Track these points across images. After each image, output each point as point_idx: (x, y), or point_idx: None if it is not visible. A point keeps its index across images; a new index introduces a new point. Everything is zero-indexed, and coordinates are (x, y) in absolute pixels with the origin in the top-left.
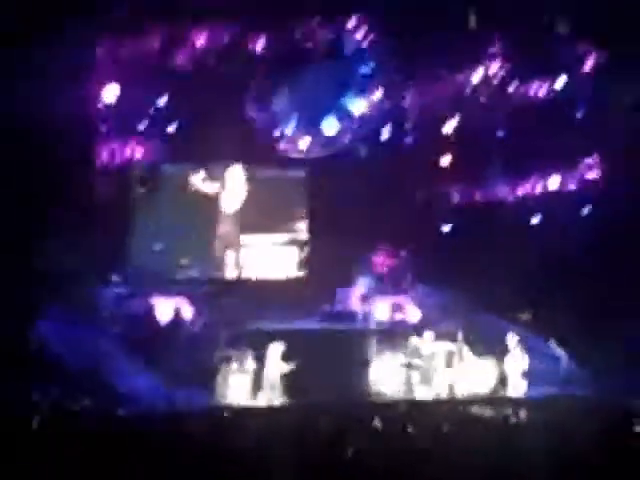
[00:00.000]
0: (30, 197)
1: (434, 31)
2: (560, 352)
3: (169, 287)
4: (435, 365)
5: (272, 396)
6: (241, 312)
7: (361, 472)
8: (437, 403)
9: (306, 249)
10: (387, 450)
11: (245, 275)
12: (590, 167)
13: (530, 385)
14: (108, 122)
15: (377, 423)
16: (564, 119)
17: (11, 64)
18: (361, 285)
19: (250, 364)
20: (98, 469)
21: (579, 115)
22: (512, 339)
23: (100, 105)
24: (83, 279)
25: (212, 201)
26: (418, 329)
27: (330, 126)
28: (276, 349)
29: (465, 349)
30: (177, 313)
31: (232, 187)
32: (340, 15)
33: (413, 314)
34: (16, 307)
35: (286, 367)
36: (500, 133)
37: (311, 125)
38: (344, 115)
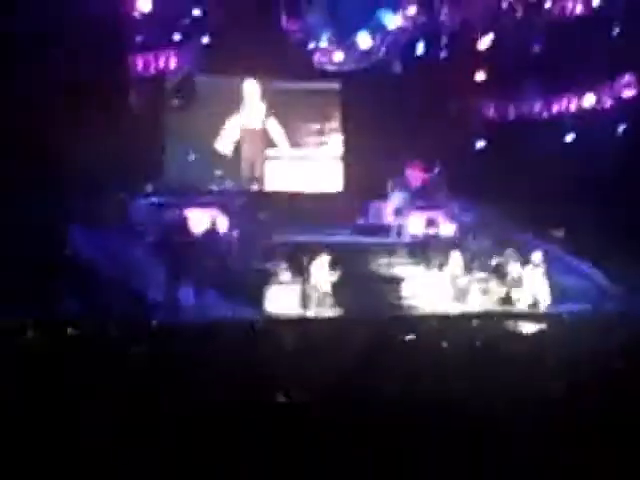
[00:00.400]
0: (65, 104)
1: None
2: (594, 270)
3: (203, 198)
4: (465, 281)
5: (316, 307)
6: (276, 225)
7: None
8: (470, 317)
9: (341, 162)
10: (418, 365)
11: (280, 188)
12: (626, 85)
13: (565, 302)
14: (143, 32)
15: (411, 337)
16: (600, 36)
17: None
18: (395, 199)
19: (285, 276)
20: (129, 377)
21: (615, 33)
22: (540, 256)
23: (135, 14)
24: (117, 188)
25: (242, 114)
26: (451, 244)
27: (364, 39)
28: (323, 260)
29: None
30: (212, 224)
31: (253, 101)
32: None
33: (447, 229)
34: (50, 215)
35: (333, 277)
36: (535, 49)
37: (345, 38)
38: (378, 29)
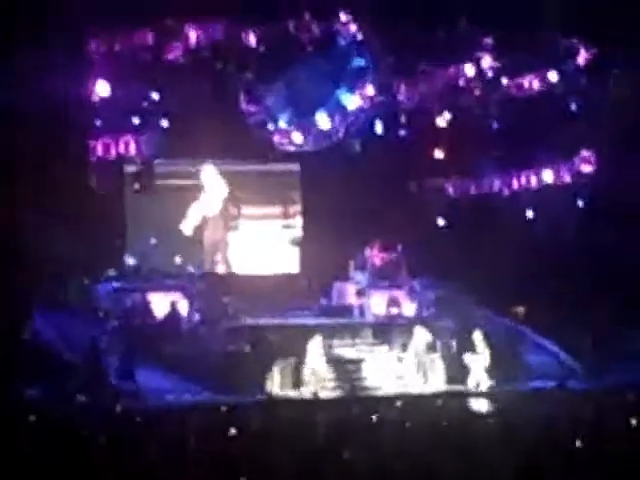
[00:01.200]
0: (24, 192)
1: (426, 26)
2: (556, 347)
3: (165, 282)
4: (428, 360)
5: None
6: (237, 308)
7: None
8: (433, 397)
9: (301, 244)
10: (385, 445)
11: (241, 271)
12: (584, 160)
13: (531, 380)
14: (102, 117)
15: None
16: (557, 113)
17: (6, 59)
18: (357, 279)
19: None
20: (98, 466)
21: (572, 109)
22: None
23: (94, 100)
24: (79, 274)
25: (202, 199)
26: (413, 323)
27: (323, 120)
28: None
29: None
30: (173, 308)
31: (215, 186)
32: (333, 10)
33: (409, 308)
34: (11, 304)
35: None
36: (494, 126)
37: (304, 119)
38: (337, 109)
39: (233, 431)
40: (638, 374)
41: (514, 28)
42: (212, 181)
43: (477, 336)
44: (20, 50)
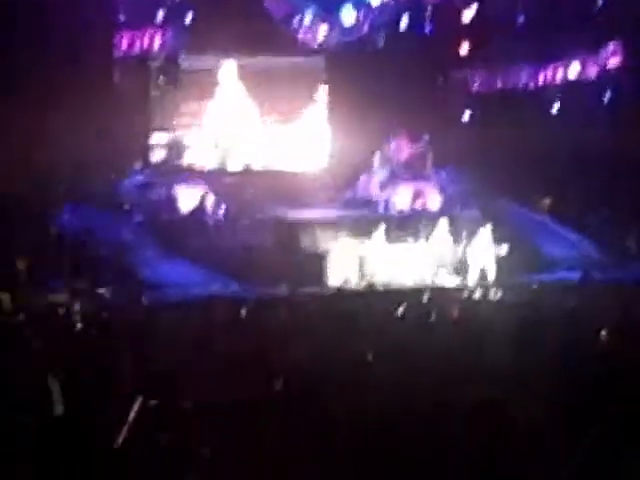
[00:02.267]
0: (50, 86)
1: None
2: (582, 239)
3: (190, 176)
4: (451, 252)
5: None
6: (263, 201)
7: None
8: (456, 289)
9: (327, 137)
10: (407, 338)
11: (266, 166)
12: (611, 53)
13: (554, 271)
14: (127, 11)
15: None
16: (584, 4)
17: None
18: (382, 172)
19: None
20: (123, 357)
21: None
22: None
23: None
24: (105, 168)
25: (228, 93)
26: (439, 215)
27: (348, 15)
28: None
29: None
30: (199, 202)
31: (233, 81)
32: None
33: (434, 200)
34: (38, 198)
35: None
36: (520, 19)
37: (329, 14)
38: (362, 4)
39: (257, 322)
40: None
41: None
42: (233, 76)
43: (493, 229)
44: None
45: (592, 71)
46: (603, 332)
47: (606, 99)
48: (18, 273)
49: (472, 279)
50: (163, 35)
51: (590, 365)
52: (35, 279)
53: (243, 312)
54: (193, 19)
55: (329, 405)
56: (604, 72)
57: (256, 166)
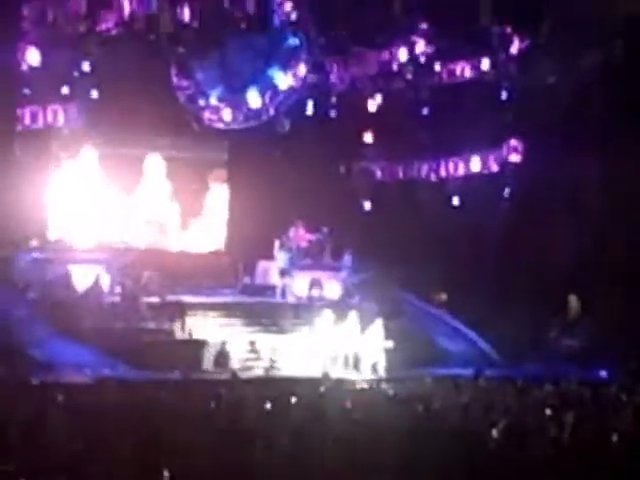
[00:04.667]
0: None
1: (361, 9)
2: (477, 335)
3: (88, 255)
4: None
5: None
6: (159, 283)
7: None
8: (349, 382)
9: (227, 223)
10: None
11: (165, 248)
12: (512, 150)
13: (449, 366)
14: (31, 85)
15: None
16: (487, 101)
17: None
18: (281, 260)
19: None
20: (16, 436)
21: (502, 97)
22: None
23: (24, 67)
24: (2, 243)
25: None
26: (335, 305)
27: (254, 98)
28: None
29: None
30: (95, 281)
31: (150, 172)
32: None
33: (331, 290)
34: None
35: None
36: (424, 112)
37: (235, 96)
38: (269, 87)
39: (149, 407)
40: (556, 365)
41: (449, 15)
42: (151, 167)
43: (389, 321)
44: None
45: (492, 165)
46: (494, 428)
47: (507, 193)
48: None
49: (366, 371)
50: (66, 110)
51: (481, 458)
52: None
53: (134, 393)
54: (98, 95)
55: None
56: (504, 166)
57: (158, 245)
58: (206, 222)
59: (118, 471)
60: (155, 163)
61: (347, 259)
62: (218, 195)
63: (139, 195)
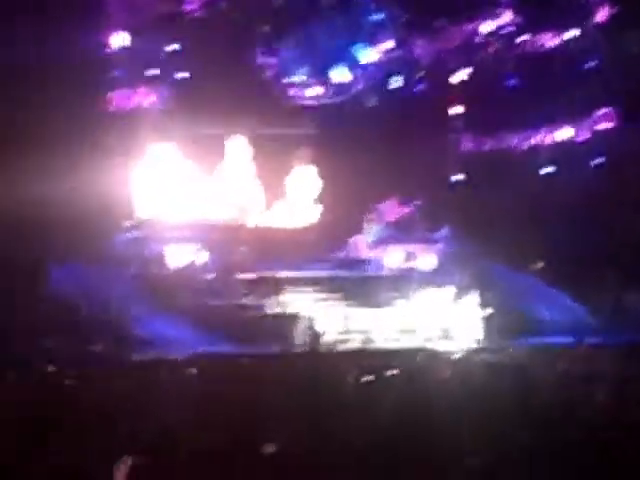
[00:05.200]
0: (40, 144)
1: None
2: (574, 302)
3: (182, 232)
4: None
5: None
6: (255, 260)
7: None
8: (446, 352)
9: (317, 198)
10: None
11: (259, 223)
12: (603, 118)
13: (546, 335)
14: (118, 68)
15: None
16: (576, 69)
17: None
18: (373, 233)
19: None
20: (114, 415)
21: (591, 65)
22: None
23: (112, 51)
24: (98, 224)
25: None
26: (429, 277)
27: (340, 74)
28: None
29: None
30: (190, 258)
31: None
32: None
33: (424, 262)
34: (29, 258)
35: None
36: (512, 82)
37: (321, 73)
38: (354, 63)
39: (252, 384)
40: None
41: None
42: (235, 147)
43: (484, 292)
44: (37, 4)
45: (583, 133)
46: (596, 396)
47: (597, 161)
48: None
49: (462, 341)
50: (155, 91)
51: (583, 429)
52: (27, 337)
53: (235, 373)
54: (185, 76)
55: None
56: (595, 134)
57: (249, 222)
58: (292, 199)
59: (219, 446)
60: (239, 143)
61: (444, 231)
62: (305, 171)
63: (222, 175)
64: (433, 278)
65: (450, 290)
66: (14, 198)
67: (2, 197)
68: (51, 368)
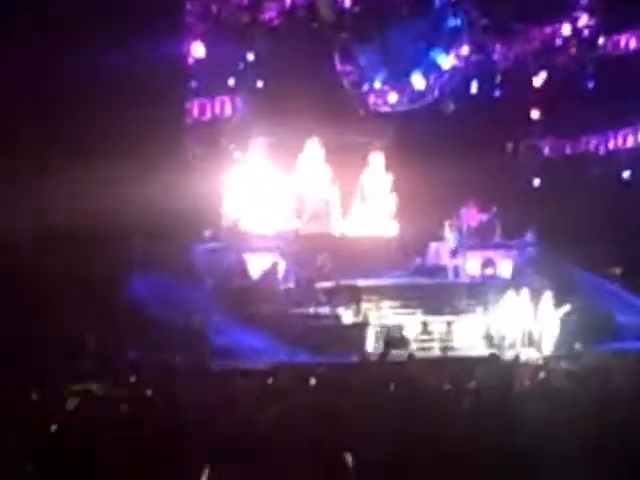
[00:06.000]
0: (123, 154)
1: None
2: None
3: (261, 242)
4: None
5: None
6: (334, 268)
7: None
8: (527, 359)
9: (397, 205)
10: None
11: (337, 232)
12: None
13: (626, 340)
14: (198, 77)
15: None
16: None
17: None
18: (451, 240)
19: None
20: (193, 423)
21: None
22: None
23: (190, 60)
24: (179, 234)
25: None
26: (509, 284)
27: (418, 80)
28: None
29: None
30: (269, 268)
31: (313, 157)
32: None
33: (504, 268)
34: (110, 266)
35: None
36: (591, 85)
37: (399, 79)
38: (432, 69)
39: (329, 394)
40: None
41: None
42: (311, 149)
43: (564, 298)
44: (119, 12)
45: None
46: None
47: None
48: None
49: (543, 348)
50: (234, 100)
51: None
52: (106, 345)
53: (313, 381)
54: (264, 85)
55: None
56: None
57: (328, 231)
58: (371, 207)
59: (299, 458)
60: (318, 150)
61: (530, 236)
62: (384, 179)
63: (300, 181)
64: (513, 284)
65: (530, 296)
66: (94, 208)
67: (83, 208)
68: (133, 379)
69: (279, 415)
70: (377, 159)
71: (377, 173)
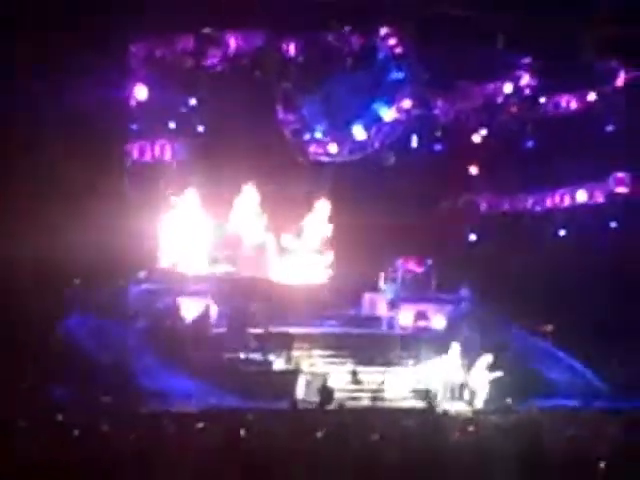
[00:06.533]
0: (58, 194)
1: (465, 43)
2: (583, 366)
3: (195, 285)
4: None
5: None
6: (264, 314)
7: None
8: (456, 413)
9: (332, 256)
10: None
11: (273, 278)
12: (618, 183)
13: (554, 397)
14: (139, 120)
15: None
16: (593, 133)
17: (45, 63)
18: (387, 292)
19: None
20: (122, 465)
21: (609, 129)
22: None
23: (132, 103)
24: (111, 276)
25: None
26: (441, 337)
27: (359, 132)
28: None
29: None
30: (203, 312)
31: (249, 202)
32: (373, 23)
33: (437, 322)
34: (43, 307)
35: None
36: (530, 144)
37: (340, 130)
38: (373, 121)
39: (255, 437)
40: None
41: (553, 49)
42: (249, 199)
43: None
44: (61, 54)
45: (598, 197)
46: (601, 461)
47: (613, 226)
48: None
49: (472, 402)
50: (173, 144)
51: None
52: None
53: (242, 428)
54: (205, 130)
55: None
56: (610, 198)
57: (262, 277)
58: (306, 254)
59: None
60: (251, 194)
61: (464, 291)
62: (320, 227)
63: (235, 226)
64: (446, 338)
65: (462, 350)
66: (31, 248)
67: (19, 247)
68: (60, 417)
69: (206, 461)
70: (323, 206)
71: (319, 220)
